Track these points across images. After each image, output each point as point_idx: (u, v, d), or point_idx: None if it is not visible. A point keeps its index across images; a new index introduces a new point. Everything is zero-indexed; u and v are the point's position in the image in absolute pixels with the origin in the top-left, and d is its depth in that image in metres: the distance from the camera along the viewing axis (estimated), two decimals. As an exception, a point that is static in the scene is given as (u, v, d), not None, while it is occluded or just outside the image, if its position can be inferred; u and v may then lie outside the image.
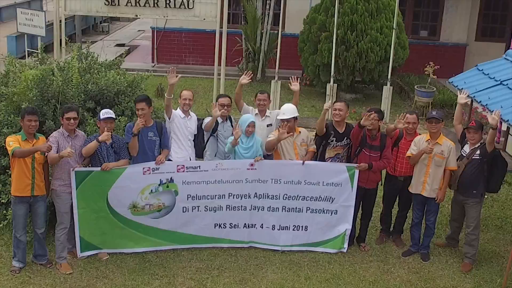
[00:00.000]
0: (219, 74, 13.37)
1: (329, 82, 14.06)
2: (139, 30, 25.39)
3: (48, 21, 16.55)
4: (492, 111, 7.66)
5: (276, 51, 14.25)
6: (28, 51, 16.08)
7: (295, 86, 8.47)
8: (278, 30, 14.26)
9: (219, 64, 13.25)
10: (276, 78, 13.61)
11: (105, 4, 12.84)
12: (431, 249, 8.44)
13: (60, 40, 13.12)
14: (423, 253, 8.31)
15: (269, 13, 17.06)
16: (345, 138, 8.07)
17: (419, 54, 17.37)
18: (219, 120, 8.19)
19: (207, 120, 8.20)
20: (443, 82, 14.96)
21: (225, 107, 8.19)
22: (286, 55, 16.80)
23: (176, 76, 7.94)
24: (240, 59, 17.68)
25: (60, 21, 13.23)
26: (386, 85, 13.98)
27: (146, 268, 7.79)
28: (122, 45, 22.35)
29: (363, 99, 15.96)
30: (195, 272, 7.76)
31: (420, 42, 18.36)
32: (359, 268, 8.01)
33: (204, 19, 12.99)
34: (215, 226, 8.26)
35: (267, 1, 17.05)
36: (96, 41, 23.04)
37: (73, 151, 7.28)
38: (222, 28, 13.06)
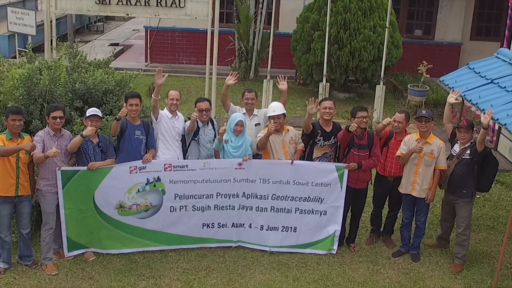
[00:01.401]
0: (211, 73, 13.30)
1: (322, 81, 13.97)
2: (133, 30, 25.31)
3: (41, 20, 16.46)
4: (482, 110, 7.59)
5: (269, 50, 14.15)
6: (19, 50, 15.98)
7: (282, 85, 8.39)
8: (270, 29, 14.19)
9: (211, 63, 13.19)
10: (268, 77, 13.51)
11: (96, 3, 12.75)
12: (422, 250, 8.37)
13: (51, 39, 13.04)
14: (413, 254, 8.23)
15: (262, 12, 16.96)
16: (333, 137, 7.99)
17: (413, 53, 17.36)
18: (200, 124, 8.10)
19: (186, 124, 8.12)
20: (437, 80, 14.90)
21: (203, 112, 8.08)
22: (280, 54, 16.76)
23: (163, 76, 7.86)
24: (233, 58, 17.59)
25: (51, 20, 13.13)
26: (380, 84, 13.90)
27: (133, 269, 7.70)
28: (116, 44, 22.24)
29: (357, 98, 15.87)
30: (182, 273, 7.68)
31: (414, 41, 18.32)
32: (348, 269, 7.93)
33: (196, 18, 12.92)
34: (203, 226, 8.18)
35: (260, 0, 16.95)
36: (89, 41, 22.97)
37: (59, 151, 7.20)
38: (214, 27, 12.99)
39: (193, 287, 7.41)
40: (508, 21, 12.57)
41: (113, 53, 10.92)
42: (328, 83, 14.03)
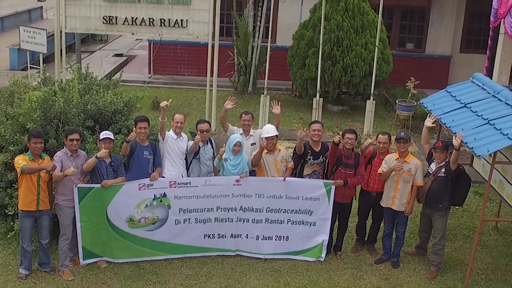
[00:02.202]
0: (211, 85, 14.09)
1: (316, 96, 14.72)
2: (136, 39, 25.86)
3: (49, 32, 17.20)
4: (455, 133, 8.38)
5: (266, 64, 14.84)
6: (30, 66, 16.77)
7: (276, 110, 9.23)
8: (268, 44, 14.96)
9: (211, 75, 13.98)
10: (265, 93, 14.30)
11: (103, 23, 13.63)
12: (402, 257, 9.20)
13: (61, 55, 13.87)
14: (393, 261, 9.09)
15: (260, 27, 17.60)
16: (321, 156, 8.84)
17: (405, 66, 18.09)
18: (200, 144, 8.94)
19: (189, 144, 8.97)
20: (428, 92, 15.36)
21: (204, 132, 8.92)
22: (278, 67, 17.48)
23: (167, 101, 8.73)
24: (232, 72, 18.33)
25: (61, 33, 13.95)
26: (370, 99, 14.66)
27: (141, 275, 8.54)
28: (120, 55, 22.94)
29: (349, 111, 16.61)
30: (185, 278, 8.52)
31: (406, 54, 19.03)
32: (334, 274, 8.78)
33: (197, 37, 13.77)
34: (204, 236, 9.02)
35: (258, 17, 17.67)
36: (94, 51, 23.75)
37: (76, 170, 8.02)
38: (214, 40, 13.77)
39: (195, 292, 8.29)
40: (489, 41, 13.34)
41: (120, 76, 11.53)
42: (322, 98, 14.78)
